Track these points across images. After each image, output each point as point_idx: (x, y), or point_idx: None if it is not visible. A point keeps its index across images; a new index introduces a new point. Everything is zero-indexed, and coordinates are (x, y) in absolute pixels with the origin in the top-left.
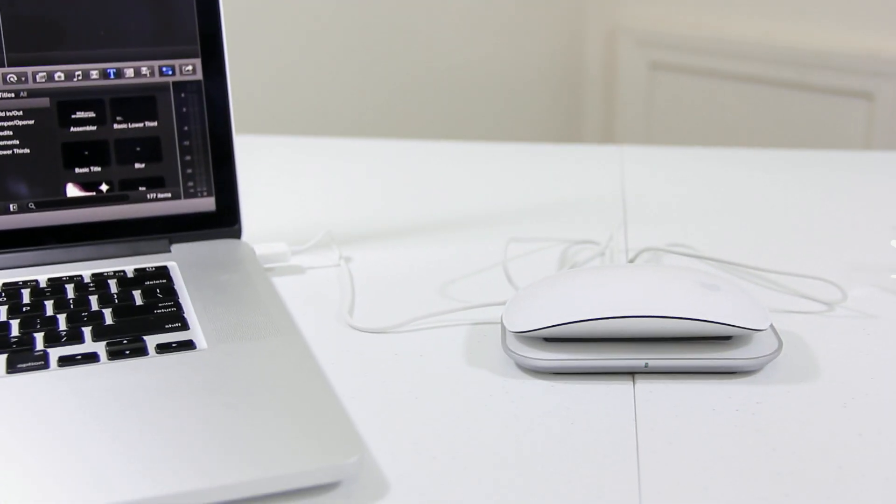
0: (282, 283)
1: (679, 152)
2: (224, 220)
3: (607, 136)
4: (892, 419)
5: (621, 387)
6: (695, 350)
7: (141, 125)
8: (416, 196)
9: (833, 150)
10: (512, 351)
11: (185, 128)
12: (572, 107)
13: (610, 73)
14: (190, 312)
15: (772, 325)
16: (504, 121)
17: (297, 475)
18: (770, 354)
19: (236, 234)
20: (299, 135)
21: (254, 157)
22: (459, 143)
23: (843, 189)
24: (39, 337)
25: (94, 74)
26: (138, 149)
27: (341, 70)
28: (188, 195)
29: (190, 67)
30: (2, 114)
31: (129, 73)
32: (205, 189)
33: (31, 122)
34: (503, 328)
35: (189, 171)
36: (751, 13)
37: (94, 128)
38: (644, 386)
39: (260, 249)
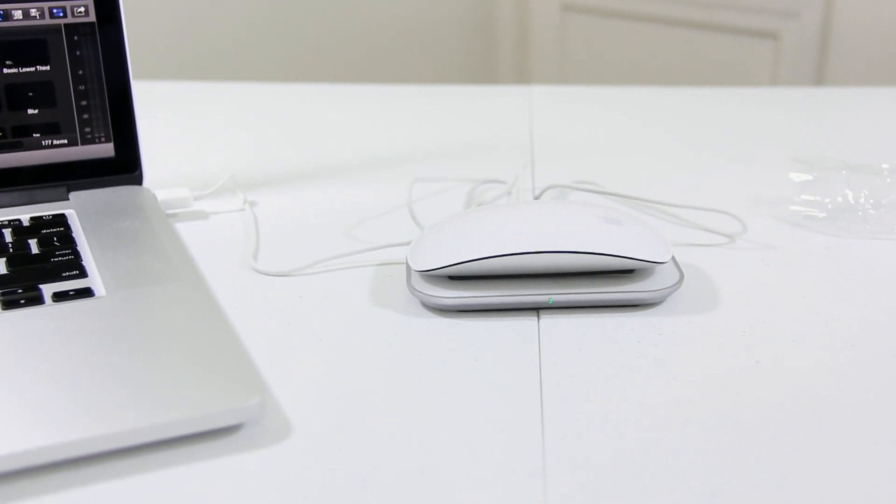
0: (185, 229)
1: (588, 92)
2: (124, 167)
3: (521, 77)
4: (787, 345)
5: (526, 322)
6: (598, 284)
7: (33, 69)
8: (321, 139)
9: (742, 86)
10: (417, 290)
11: (80, 72)
12: (486, 49)
13: (523, 15)
14: (88, 260)
15: (673, 258)
16: (416, 63)
17: (197, 419)
18: (671, 287)
19: (137, 180)
20: (202, 80)
21: (155, 102)
22: (366, 85)
23: (747, 125)
24: None
25: None
26: (31, 94)
27: (244, 12)
28: (85, 141)
29: (82, 9)
30: None
31: (18, 14)
32: (102, 135)
33: None
34: (408, 268)
35: (85, 116)
36: None
37: None
38: (548, 321)
39: (162, 195)
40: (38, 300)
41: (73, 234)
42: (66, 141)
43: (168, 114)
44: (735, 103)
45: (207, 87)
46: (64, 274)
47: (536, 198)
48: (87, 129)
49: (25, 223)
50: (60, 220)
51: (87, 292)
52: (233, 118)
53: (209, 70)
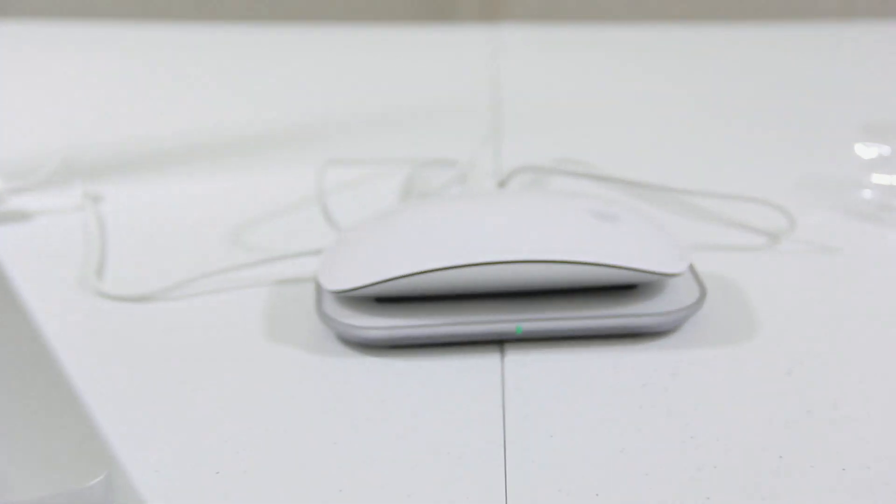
0: None
1: (576, 32)
2: None
3: (486, 13)
4: (851, 390)
5: (484, 362)
6: (585, 306)
7: None
8: (195, 104)
9: (790, 21)
10: (331, 318)
11: None
12: None
13: None
14: None
15: (691, 268)
16: None
17: None
18: (688, 308)
19: None
20: (21, 16)
21: None
22: (262, 25)
23: (797, 77)
24: None
25: None
26: None
27: None
28: None
29: None
30: None
31: None
32: None
33: None
34: (319, 287)
35: None
36: None
37: None
38: (516, 359)
39: None
40: None
41: None
42: None
43: None
44: (779, 46)
45: (29, 28)
46: None
47: (501, 185)
48: None
49: None
50: None
51: None
52: (68, 74)
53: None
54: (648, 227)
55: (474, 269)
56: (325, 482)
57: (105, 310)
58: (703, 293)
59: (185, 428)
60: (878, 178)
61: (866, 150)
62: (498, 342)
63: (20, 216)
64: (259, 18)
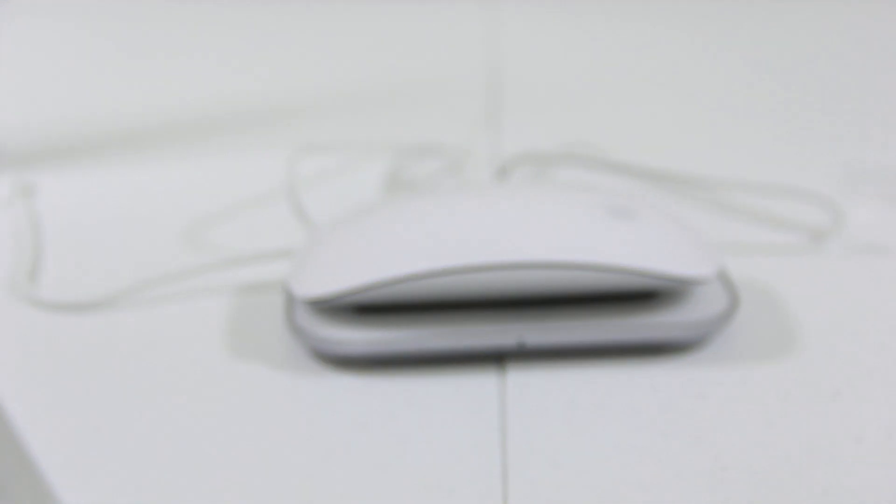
0: None
1: None
2: None
3: None
4: None
5: (481, 381)
6: (597, 316)
7: None
8: (143, 81)
9: None
10: (304, 330)
11: None
12: None
13: None
14: None
15: (721, 272)
16: None
17: None
18: (718, 319)
19: None
20: None
21: None
22: None
23: (847, 47)
24: None
25: None
26: None
27: None
28: None
29: None
30: None
31: None
32: None
33: None
34: (289, 294)
35: None
36: None
37: None
38: (518, 378)
39: None
40: None
41: None
42: None
43: None
44: (824, 11)
45: None
46: None
47: (500, 176)
48: None
49: None
50: None
51: None
52: None
53: None
54: (671, 225)
55: (469, 273)
56: None
57: (39, 320)
58: (734, 302)
59: (132, 461)
60: None
61: None
62: (497, 358)
63: None
64: None
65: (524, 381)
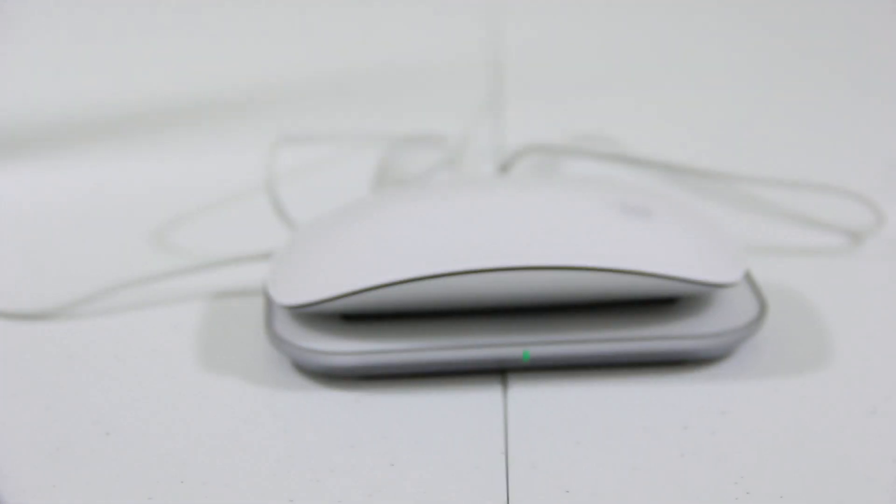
0: None
1: None
2: None
3: None
4: None
5: (482, 396)
6: (610, 326)
7: None
8: (104, 63)
9: None
10: (285, 340)
11: None
12: None
13: None
14: None
15: (748, 277)
16: None
17: None
18: (744, 328)
19: None
20: None
21: None
22: None
23: (888, 29)
24: None
25: None
26: None
27: None
28: None
29: None
30: None
31: None
32: None
33: None
34: (269, 301)
35: None
36: None
37: None
38: (522, 393)
39: None
40: None
41: None
42: None
43: None
44: None
45: None
46: None
47: (503, 170)
48: None
49: None
50: None
51: None
52: None
53: None
54: (692, 224)
55: (469, 277)
56: None
57: None
58: (762, 309)
59: (95, 484)
60: None
61: None
62: (500, 371)
63: None
64: None
65: (529, 398)
